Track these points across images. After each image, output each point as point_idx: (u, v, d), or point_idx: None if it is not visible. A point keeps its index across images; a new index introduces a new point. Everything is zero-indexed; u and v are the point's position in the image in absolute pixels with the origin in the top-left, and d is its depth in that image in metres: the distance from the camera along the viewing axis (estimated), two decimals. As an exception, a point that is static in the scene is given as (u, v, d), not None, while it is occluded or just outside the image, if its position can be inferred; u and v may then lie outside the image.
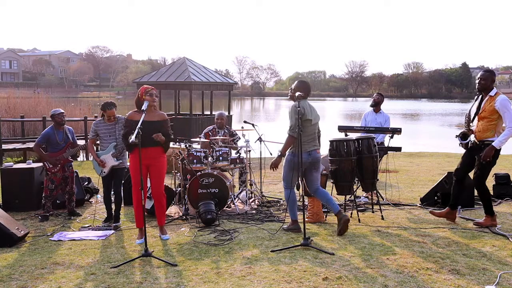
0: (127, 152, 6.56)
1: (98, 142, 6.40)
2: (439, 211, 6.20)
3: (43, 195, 6.78)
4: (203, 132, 8.01)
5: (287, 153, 5.63)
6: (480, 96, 5.77)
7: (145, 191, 5.53)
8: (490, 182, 8.05)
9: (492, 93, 5.65)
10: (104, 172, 6.23)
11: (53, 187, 6.76)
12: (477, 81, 5.80)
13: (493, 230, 5.60)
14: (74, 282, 4.23)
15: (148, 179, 5.72)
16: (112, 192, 6.53)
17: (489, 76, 5.68)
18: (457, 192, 6.05)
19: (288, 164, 5.63)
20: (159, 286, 4.11)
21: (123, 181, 6.62)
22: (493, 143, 5.54)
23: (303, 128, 5.36)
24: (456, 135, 5.97)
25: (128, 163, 6.14)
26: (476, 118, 5.75)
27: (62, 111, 6.91)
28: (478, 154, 5.70)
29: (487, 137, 5.64)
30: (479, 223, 5.83)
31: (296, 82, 5.83)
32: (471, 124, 5.82)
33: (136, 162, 5.31)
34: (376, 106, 8.21)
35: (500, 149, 5.66)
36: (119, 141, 6.17)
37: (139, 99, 5.45)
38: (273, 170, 5.63)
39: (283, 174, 5.72)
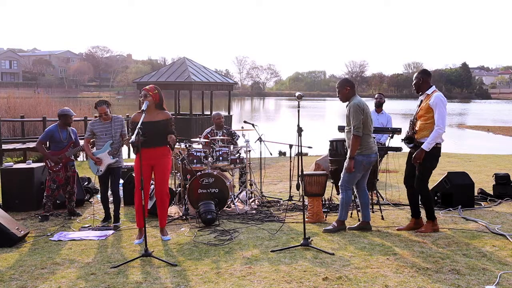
0: (123, 151, 6.57)
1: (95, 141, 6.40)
2: (405, 225, 5.86)
3: (45, 194, 6.78)
4: (202, 135, 8.01)
5: (356, 153, 5.52)
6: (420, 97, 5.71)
7: (146, 192, 5.52)
8: (490, 182, 8.07)
9: (429, 91, 5.57)
10: (101, 171, 6.24)
11: (54, 187, 6.75)
12: (412, 84, 5.78)
13: (493, 230, 5.59)
14: (74, 282, 4.23)
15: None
16: (110, 192, 6.54)
17: (418, 75, 5.66)
18: (415, 200, 5.79)
19: (359, 165, 5.52)
20: (159, 286, 4.11)
21: (123, 182, 6.62)
22: (422, 146, 5.40)
23: (368, 126, 5.46)
24: (402, 139, 5.81)
25: (125, 163, 6.14)
26: (417, 118, 5.65)
27: (73, 113, 6.88)
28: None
29: (424, 136, 5.50)
30: (420, 231, 5.60)
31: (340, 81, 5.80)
32: (415, 127, 5.65)
33: (139, 162, 5.31)
34: (380, 106, 8.24)
35: (438, 149, 5.50)
36: (115, 140, 6.19)
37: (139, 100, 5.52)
38: (349, 172, 5.53)
39: (346, 175, 5.60)
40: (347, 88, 5.65)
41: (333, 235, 5.53)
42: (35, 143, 7.11)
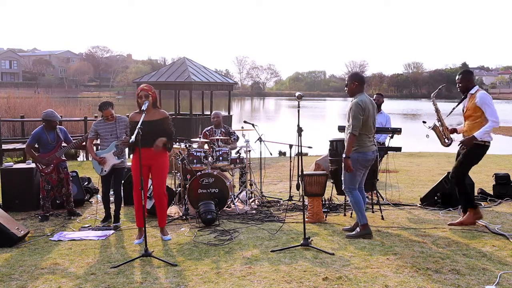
0: (127, 152, 6.57)
1: (99, 142, 6.39)
2: (457, 221, 5.89)
3: (40, 196, 6.77)
4: (202, 133, 8.07)
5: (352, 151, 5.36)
6: (463, 97, 5.85)
7: (145, 191, 5.52)
8: (490, 182, 8.07)
9: (472, 91, 5.70)
10: (105, 171, 6.23)
11: (49, 187, 6.73)
12: (457, 86, 5.86)
13: (493, 230, 5.59)
14: (74, 282, 4.23)
15: (150, 179, 5.72)
16: (112, 192, 6.53)
17: (463, 77, 5.76)
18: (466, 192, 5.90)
19: (355, 163, 5.34)
20: (159, 286, 4.11)
21: (123, 181, 6.62)
22: (474, 134, 5.54)
23: (368, 126, 5.34)
24: (424, 121, 6.07)
25: (129, 163, 6.14)
26: (463, 119, 5.82)
27: (57, 118, 6.75)
28: (461, 151, 5.76)
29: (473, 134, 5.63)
30: (461, 222, 5.70)
31: (350, 75, 5.66)
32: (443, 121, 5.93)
33: (138, 162, 5.31)
34: (378, 107, 8.21)
35: (486, 147, 5.60)
36: (120, 140, 6.18)
37: (137, 101, 5.49)
38: (349, 172, 5.35)
39: (347, 176, 5.43)
40: (355, 83, 5.47)
41: (333, 235, 5.53)
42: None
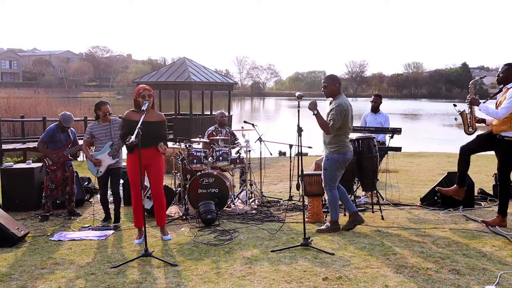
0: (122, 152, 6.56)
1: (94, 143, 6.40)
2: (447, 188, 6.25)
3: (43, 194, 6.78)
4: (206, 133, 8.07)
5: (331, 151, 5.60)
6: (499, 90, 5.74)
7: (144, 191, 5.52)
8: (490, 182, 8.07)
9: (509, 85, 5.54)
10: (101, 172, 6.24)
11: (53, 186, 6.76)
12: (497, 75, 5.71)
13: (493, 230, 5.59)
14: (74, 282, 4.23)
15: (146, 179, 5.73)
16: (110, 192, 6.54)
17: (508, 69, 5.60)
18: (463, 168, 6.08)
19: (335, 163, 5.58)
20: (159, 286, 4.11)
21: (123, 182, 6.61)
22: (481, 102, 5.58)
23: (346, 128, 5.55)
24: (454, 104, 6.07)
25: (124, 163, 6.12)
26: None
27: (69, 125, 6.78)
28: (497, 149, 5.67)
29: (503, 130, 5.51)
30: (487, 222, 5.72)
31: (326, 77, 5.86)
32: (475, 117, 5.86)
33: (134, 162, 5.32)
34: (377, 109, 8.21)
35: None
36: (115, 141, 6.20)
37: (135, 100, 5.48)
38: (311, 109, 5.50)
39: (327, 175, 5.65)
40: (336, 85, 5.74)
41: (333, 235, 5.53)
42: (37, 142, 7.09)
